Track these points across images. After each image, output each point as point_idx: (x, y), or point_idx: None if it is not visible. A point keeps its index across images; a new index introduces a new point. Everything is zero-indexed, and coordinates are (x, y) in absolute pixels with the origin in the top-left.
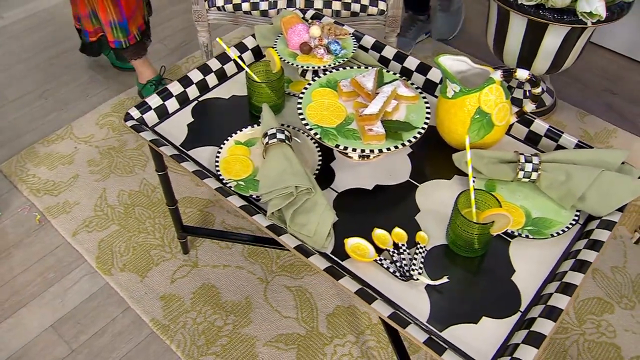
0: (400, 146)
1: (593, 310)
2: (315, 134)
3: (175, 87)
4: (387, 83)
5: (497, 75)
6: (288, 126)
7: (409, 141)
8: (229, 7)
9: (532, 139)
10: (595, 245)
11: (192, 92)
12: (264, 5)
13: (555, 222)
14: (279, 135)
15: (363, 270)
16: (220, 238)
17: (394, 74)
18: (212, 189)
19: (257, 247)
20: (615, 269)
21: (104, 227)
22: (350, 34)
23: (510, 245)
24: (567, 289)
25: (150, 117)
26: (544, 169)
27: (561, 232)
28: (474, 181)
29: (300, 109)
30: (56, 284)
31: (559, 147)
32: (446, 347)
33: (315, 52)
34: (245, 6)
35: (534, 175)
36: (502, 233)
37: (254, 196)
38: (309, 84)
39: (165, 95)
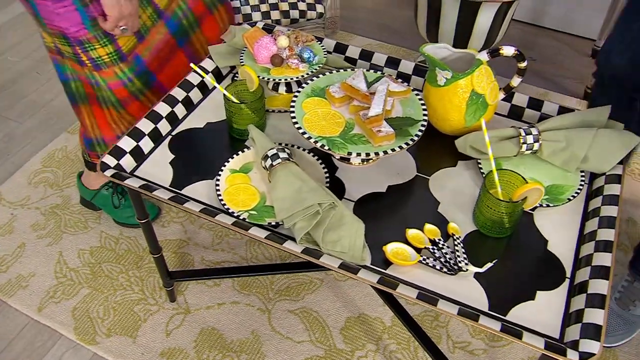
0: (410, 142)
1: None
2: (322, 146)
3: (144, 125)
4: (373, 82)
5: (484, 55)
6: (280, 144)
7: (417, 135)
8: None
9: (515, 113)
10: (612, 200)
11: (164, 126)
12: None
13: (566, 187)
14: (282, 155)
15: (407, 274)
16: (211, 277)
17: (376, 72)
18: (227, 225)
19: (247, 278)
20: None
21: (73, 294)
22: (314, 39)
23: (534, 218)
24: (605, 246)
25: (127, 162)
26: (544, 138)
27: (576, 195)
28: (478, 162)
29: (296, 123)
30: None
31: (543, 116)
32: (520, 329)
33: (289, 63)
34: None
35: (536, 146)
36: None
37: (271, 223)
38: (295, 97)
39: (136, 134)
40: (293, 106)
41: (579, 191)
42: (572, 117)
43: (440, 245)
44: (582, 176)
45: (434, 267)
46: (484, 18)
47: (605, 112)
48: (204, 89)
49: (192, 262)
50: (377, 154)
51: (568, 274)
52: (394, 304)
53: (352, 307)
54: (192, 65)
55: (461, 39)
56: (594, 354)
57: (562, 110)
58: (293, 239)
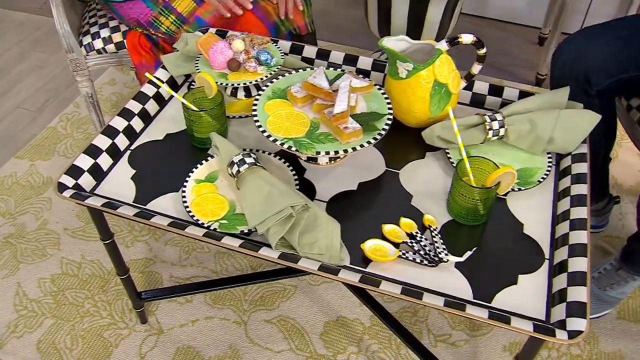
0: (378, 136)
1: None
2: (290, 147)
3: (101, 141)
4: (334, 79)
5: (444, 45)
6: (245, 149)
7: (384, 129)
8: (111, 47)
9: (477, 101)
10: (580, 178)
11: (122, 141)
12: None
13: (535, 169)
14: (248, 160)
15: (388, 270)
16: (182, 293)
17: (335, 69)
18: (199, 237)
19: (220, 291)
20: None
21: (36, 326)
22: (270, 41)
23: (507, 203)
24: (579, 224)
25: (86, 181)
26: (509, 122)
27: (545, 177)
28: (444, 150)
29: (260, 126)
30: None
31: (504, 102)
32: (508, 315)
33: (247, 67)
34: None
35: (502, 132)
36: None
37: (244, 231)
38: (257, 100)
39: (93, 152)
40: (255, 109)
41: (547, 172)
42: (534, 100)
43: (419, 238)
44: (549, 158)
45: (414, 260)
46: (434, 11)
47: (565, 93)
48: (160, 100)
49: (161, 280)
50: (345, 151)
51: (547, 255)
52: (372, 303)
53: (329, 311)
54: (147, 74)
55: (413, 34)
56: (582, 332)
57: (523, 94)
58: (268, 245)
